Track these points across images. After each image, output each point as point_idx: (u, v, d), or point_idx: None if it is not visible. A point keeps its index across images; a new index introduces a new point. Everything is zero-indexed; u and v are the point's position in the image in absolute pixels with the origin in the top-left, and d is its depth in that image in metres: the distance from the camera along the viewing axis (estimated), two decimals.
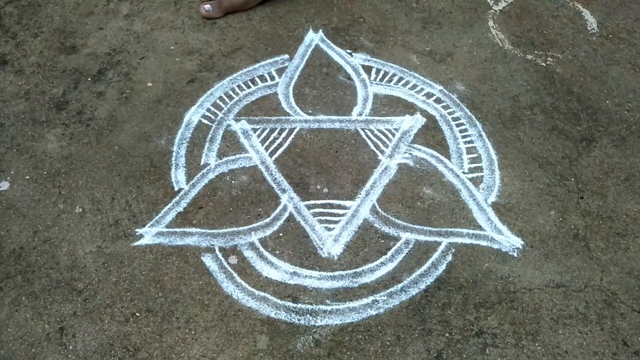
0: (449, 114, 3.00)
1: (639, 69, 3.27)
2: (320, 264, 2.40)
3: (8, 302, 2.26)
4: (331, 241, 2.47)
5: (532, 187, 2.69)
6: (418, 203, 2.61)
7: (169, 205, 2.58)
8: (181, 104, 3.01)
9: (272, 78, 3.16)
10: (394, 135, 2.90)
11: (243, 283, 2.33)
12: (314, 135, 2.88)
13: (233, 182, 2.68)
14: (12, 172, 2.69)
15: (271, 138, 2.86)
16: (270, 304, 2.27)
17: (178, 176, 2.69)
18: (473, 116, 2.99)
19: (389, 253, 2.44)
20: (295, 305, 2.27)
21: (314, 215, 2.56)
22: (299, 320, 2.23)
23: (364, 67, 3.23)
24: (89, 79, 3.13)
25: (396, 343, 2.17)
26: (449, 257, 2.43)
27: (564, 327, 2.23)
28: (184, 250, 2.42)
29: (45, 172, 2.69)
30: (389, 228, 2.52)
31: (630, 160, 2.81)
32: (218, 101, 3.03)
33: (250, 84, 3.13)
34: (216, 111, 2.98)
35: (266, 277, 2.36)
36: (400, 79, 3.18)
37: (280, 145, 2.84)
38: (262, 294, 2.30)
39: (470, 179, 2.71)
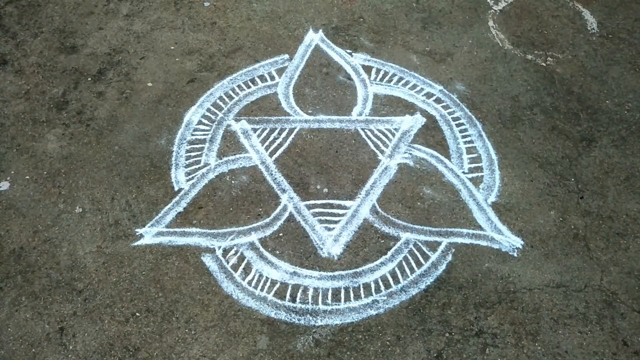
0: (449, 114, 3.00)
1: (638, 69, 3.27)
2: (320, 264, 2.40)
3: (8, 302, 2.26)
4: (331, 241, 2.47)
5: (532, 187, 2.69)
6: (418, 203, 2.61)
7: (169, 205, 2.58)
8: (181, 104, 3.01)
9: (272, 78, 3.16)
10: (394, 135, 2.90)
11: (243, 283, 2.34)
12: (314, 135, 2.88)
13: (233, 182, 2.68)
14: (12, 172, 2.69)
15: (271, 138, 2.87)
16: (270, 304, 2.28)
17: (178, 176, 2.69)
18: (473, 116, 2.99)
19: (389, 253, 2.44)
20: (295, 305, 2.28)
21: (314, 215, 2.56)
22: (299, 320, 2.23)
23: (364, 67, 3.23)
24: (89, 79, 3.13)
25: (396, 343, 2.17)
26: (449, 257, 2.43)
27: (564, 327, 2.23)
28: (184, 250, 2.42)
29: (45, 172, 2.70)
30: (389, 228, 2.52)
31: (630, 160, 2.82)
32: (218, 101, 3.03)
33: (250, 84, 3.13)
34: (216, 111, 2.98)
35: (266, 277, 2.36)
36: (400, 79, 3.18)
37: (280, 145, 2.84)
38: (262, 294, 2.30)
39: (470, 179, 2.71)
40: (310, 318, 2.24)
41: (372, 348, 2.15)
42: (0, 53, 3.26)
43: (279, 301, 2.28)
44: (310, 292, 2.31)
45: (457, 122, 2.96)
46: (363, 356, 2.13)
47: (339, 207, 2.59)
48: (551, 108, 3.05)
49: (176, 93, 3.06)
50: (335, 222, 2.54)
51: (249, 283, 2.33)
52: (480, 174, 2.74)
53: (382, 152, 2.82)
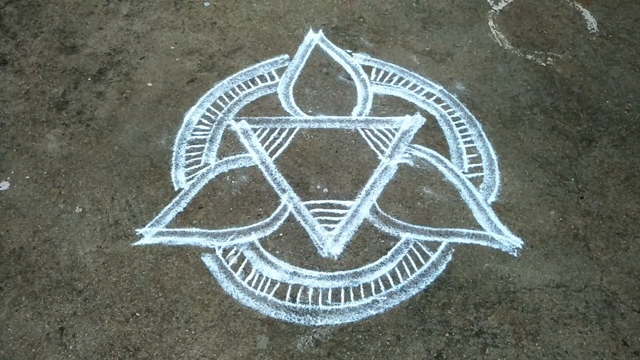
0: (449, 114, 3.01)
1: (639, 69, 3.27)
2: (320, 264, 2.40)
3: (8, 302, 2.26)
4: (331, 241, 2.47)
5: (532, 187, 2.69)
6: (418, 203, 2.61)
7: (169, 205, 2.58)
8: (181, 104, 3.01)
9: (272, 78, 3.16)
10: (394, 135, 2.90)
11: (243, 283, 2.34)
12: (314, 135, 2.88)
13: (233, 182, 2.68)
14: (12, 172, 2.69)
15: (271, 138, 2.87)
16: (270, 304, 2.28)
17: (178, 176, 2.69)
18: (473, 116, 2.99)
19: (389, 253, 2.44)
20: (295, 305, 2.28)
21: (314, 215, 2.56)
22: (299, 320, 2.23)
23: (364, 67, 3.23)
24: (89, 79, 3.13)
25: (396, 343, 2.17)
26: (449, 257, 2.43)
27: (564, 327, 2.23)
28: (184, 250, 2.42)
29: (45, 172, 2.70)
30: (389, 228, 2.52)
31: (630, 160, 2.82)
32: (218, 101, 3.03)
33: (250, 84, 3.13)
34: (216, 111, 2.98)
35: (266, 277, 2.36)
36: (400, 79, 3.18)
37: (280, 145, 2.84)
38: (262, 294, 2.31)
39: (470, 179, 2.71)
40: (310, 318, 2.24)
41: (372, 348, 2.15)
42: (0, 53, 3.26)
43: (279, 301, 2.28)
44: (310, 292, 2.31)
45: (457, 122, 2.96)
46: (363, 356, 2.14)
47: (339, 207, 2.59)
48: (551, 108, 3.05)
49: (176, 93, 3.06)
50: (335, 222, 2.54)
51: (249, 283, 2.34)
52: (480, 174, 2.74)
53: (382, 152, 2.82)
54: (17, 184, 2.65)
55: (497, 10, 3.63)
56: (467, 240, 2.49)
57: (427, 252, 2.44)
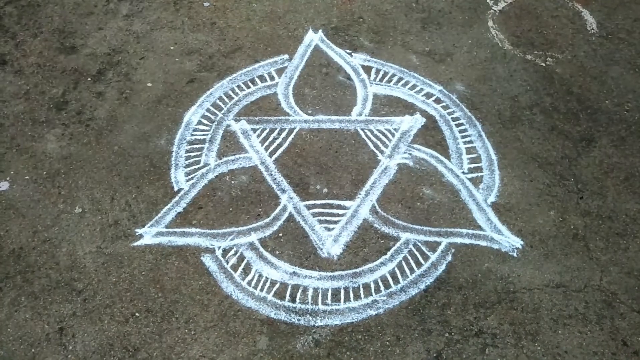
0: (449, 114, 3.01)
1: (638, 69, 3.27)
2: (320, 264, 2.40)
3: (7, 302, 2.26)
4: (331, 241, 2.47)
5: (531, 187, 2.69)
6: (418, 203, 2.61)
7: (169, 206, 2.58)
8: (181, 104, 3.01)
9: (272, 78, 3.16)
10: (393, 135, 2.90)
11: (243, 283, 2.34)
12: (314, 136, 2.88)
13: (233, 182, 2.68)
14: (12, 172, 2.69)
15: (271, 138, 2.87)
16: (270, 304, 2.28)
17: (178, 176, 2.69)
18: (473, 116, 2.99)
19: (389, 253, 2.44)
20: (294, 305, 2.28)
21: (314, 215, 2.56)
22: (298, 320, 2.23)
23: (363, 67, 3.23)
24: (89, 79, 3.13)
25: (396, 343, 2.17)
26: (449, 257, 2.43)
27: (564, 327, 2.23)
28: (184, 251, 2.42)
29: (45, 172, 2.70)
30: (389, 228, 2.52)
31: (630, 160, 2.82)
32: (218, 101, 3.03)
33: (250, 84, 3.13)
34: (216, 111, 2.98)
35: (266, 277, 2.36)
36: (400, 79, 3.18)
37: (280, 145, 2.84)
38: (262, 294, 2.31)
39: (470, 179, 2.72)
40: (310, 318, 2.24)
41: (372, 348, 2.15)
42: (0, 53, 3.26)
43: (279, 301, 2.28)
44: (310, 292, 2.31)
45: (456, 122, 2.96)
46: (363, 356, 2.14)
47: (339, 207, 2.59)
48: (551, 108, 3.06)
49: (176, 93, 3.06)
50: (335, 222, 2.54)
51: (249, 283, 2.33)
52: (479, 174, 2.74)
53: (381, 152, 2.82)
54: (16, 184, 2.65)
55: (497, 11, 3.64)
56: (467, 241, 2.49)
57: (426, 252, 2.44)
